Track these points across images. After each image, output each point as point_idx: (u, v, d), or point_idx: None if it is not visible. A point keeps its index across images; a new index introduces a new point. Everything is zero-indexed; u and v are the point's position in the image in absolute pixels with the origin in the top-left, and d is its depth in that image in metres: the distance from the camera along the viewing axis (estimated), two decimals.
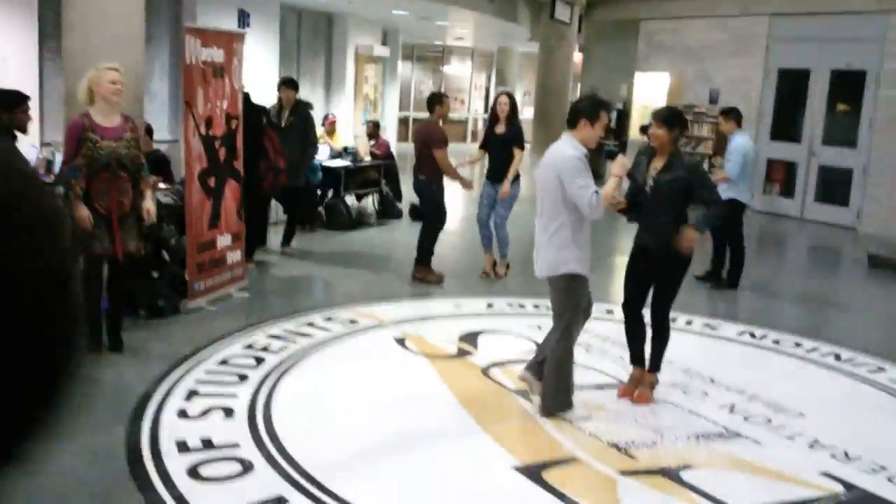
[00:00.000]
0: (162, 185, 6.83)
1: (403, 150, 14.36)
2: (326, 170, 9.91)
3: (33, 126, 8.07)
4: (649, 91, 14.53)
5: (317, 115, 11.39)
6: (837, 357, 5.87)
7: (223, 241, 6.40)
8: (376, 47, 16.23)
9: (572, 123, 4.32)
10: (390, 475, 3.71)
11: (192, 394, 4.47)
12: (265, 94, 9.39)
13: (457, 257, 8.34)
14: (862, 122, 12.12)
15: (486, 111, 20.73)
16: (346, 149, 10.77)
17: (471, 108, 23.39)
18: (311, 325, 5.83)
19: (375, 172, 10.60)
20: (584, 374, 4.90)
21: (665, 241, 4.59)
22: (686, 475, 3.87)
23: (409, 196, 9.45)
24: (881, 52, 11.73)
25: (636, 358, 4.85)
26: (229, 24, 11.20)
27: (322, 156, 10.02)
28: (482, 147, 7.86)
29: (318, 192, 9.90)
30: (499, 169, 7.46)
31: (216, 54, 6.24)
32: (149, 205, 4.96)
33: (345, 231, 9.59)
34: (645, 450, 4.13)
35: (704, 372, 5.30)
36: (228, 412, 4.25)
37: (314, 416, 4.34)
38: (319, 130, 10.86)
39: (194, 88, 6.01)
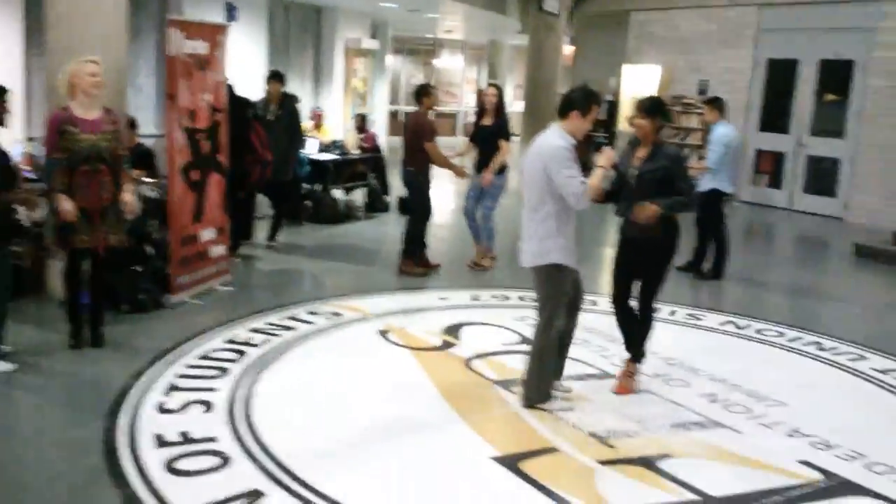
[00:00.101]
0: (146, 179, 6.81)
1: (394, 144, 14.34)
2: (314, 163, 9.90)
3: (18, 121, 8.07)
4: (639, 83, 14.51)
5: (304, 108, 11.40)
6: (820, 346, 5.89)
7: (207, 234, 6.37)
8: (365, 40, 16.18)
9: (564, 113, 4.32)
10: (367, 467, 3.71)
11: (171, 388, 4.46)
12: (253, 87, 9.37)
13: (444, 250, 8.34)
14: (850, 113, 12.14)
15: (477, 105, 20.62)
16: (334, 142, 10.77)
17: (462, 101, 23.34)
18: (294, 318, 5.82)
19: (363, 166, 10.59)
20: (566, 365, 4.89)
21: (649, 231, 4.61)
22: (664, 464, 3.87)
23: (397, 189, 9.44)
24: (869, 42, 11.74)
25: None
26: (217, 18, 11.14)
27: (310, 149, 10.01)
28: (470, 139, 7.86)
29: (306, 185, 9.89)
30: (485, 161, 7.46)
31: (200, 46, 6.21)
32: (128, 198, 4.93)
33: (332, 224, 9.58)
34: (625, 439, 4.14)
35: (687, 362, 5.31)
36: (208, 406, 4.25)
37: (294, 409, 4.33)
38: (308, 124, 10.85)
39: (177, 81, 5.98)
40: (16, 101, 5.73)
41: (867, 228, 10.99)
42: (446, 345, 5.48)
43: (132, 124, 7.20)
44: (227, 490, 3.41)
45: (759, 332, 6.17)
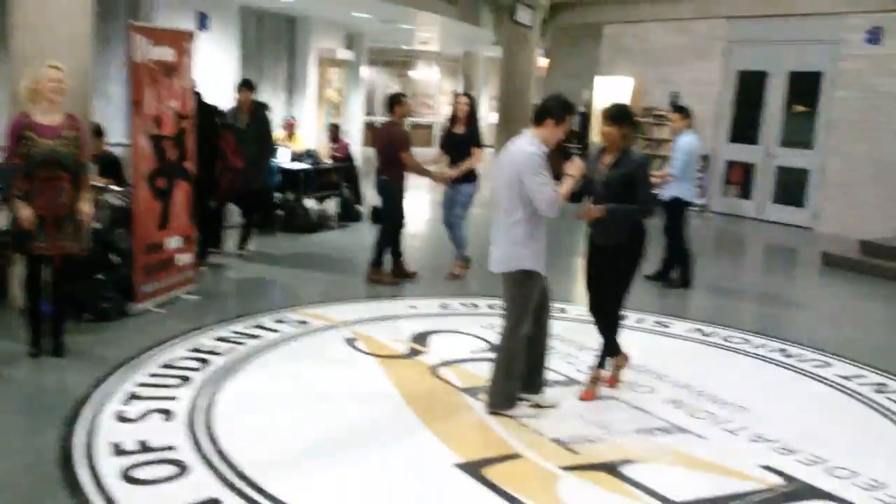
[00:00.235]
0: (113, 188, 6.73)
1: (369, 154, 14.31)
2: (285, 172, 9.85)
3: None
4: (612, 94, 14.62)
5: (276, 117, 11.36)
6: (785, 353, 5.93)
7: (173, 242, 6.31)
8: (339, 51, 16.17)
9: (539, 121, 4.34)
10: (328, 474, 3.67)
11: (132, 397, 4.39)
12: (225, 96, 9.31)
13: (417, 258, 8.32)
14: (818, 124, 12.31)
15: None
16: (308, 151, 10.73)
17: (438, 112, 23.40)
18: (260, 327, 5.77)
19: (336, 175, 10.56)
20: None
21: (616, 237, 4.66)
22: (627, 470, 3.87)
23: (370, 199, 9.41)
24: (836, 54, 11.92)
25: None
26: (189, 26, 11.07)
27: (282, 158, 9.96)
28: (442, 147, 7.86)
29: (278, 194, 9.84)
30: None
31: (166, 53, 6.17)
32: (85, 206, 4.86)
33: (305, 234, 9.53)
34: (588, 445, 4.13)
35: (653, 368, 5.33)
36: (168, 414, 4.19)
37: (256, 418, 4.28)
38: (280, 133, 10.81)
39: (143, 87, 5.93)
40: None
41: (835, 238, 11.12)
42: (413, 352, 5.45)
43: (98, 131, 7.11)
44: (184, 499, 3.36)
45: (725, 339, 6.21)
